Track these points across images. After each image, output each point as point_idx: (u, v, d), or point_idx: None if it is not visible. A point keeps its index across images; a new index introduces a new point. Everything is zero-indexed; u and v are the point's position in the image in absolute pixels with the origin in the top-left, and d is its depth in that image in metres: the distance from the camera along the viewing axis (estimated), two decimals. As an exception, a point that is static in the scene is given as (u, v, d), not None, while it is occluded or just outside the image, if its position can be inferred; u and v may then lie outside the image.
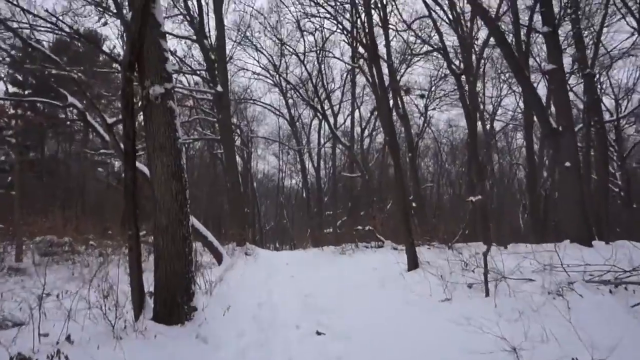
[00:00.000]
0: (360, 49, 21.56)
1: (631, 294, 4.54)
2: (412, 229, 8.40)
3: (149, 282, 4.67)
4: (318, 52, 24.02)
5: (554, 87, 11.41)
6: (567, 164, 10.46)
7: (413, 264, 7.87)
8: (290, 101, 27.80)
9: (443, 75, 21.46)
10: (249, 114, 30.84)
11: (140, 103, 4.65)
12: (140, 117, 5.12)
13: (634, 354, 2.94)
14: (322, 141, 29.77)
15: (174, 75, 19.90)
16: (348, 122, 27.51)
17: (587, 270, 5.62)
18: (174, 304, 4.35)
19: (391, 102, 19.30)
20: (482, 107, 22.47)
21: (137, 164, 8.19)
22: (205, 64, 18.09)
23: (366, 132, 28.20)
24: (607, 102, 21.74)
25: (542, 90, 18.38)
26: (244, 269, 9.76)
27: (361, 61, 22.67)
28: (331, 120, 25.36)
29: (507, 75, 22.74)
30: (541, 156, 25.41)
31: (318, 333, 5.39)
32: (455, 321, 4.38)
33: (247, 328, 5.23)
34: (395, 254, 10.54)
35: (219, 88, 15.21)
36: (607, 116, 19.78)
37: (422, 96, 22.21)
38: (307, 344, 4.95)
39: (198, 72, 19.50)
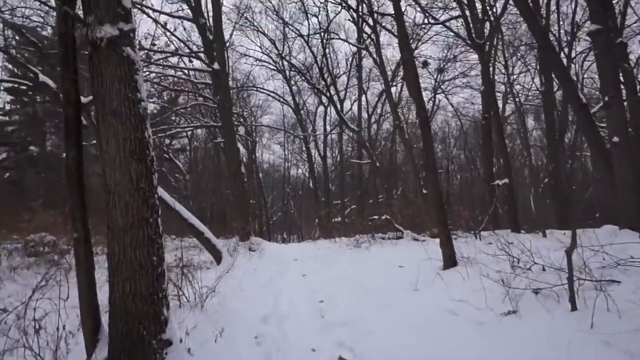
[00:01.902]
0: (367, 29, 20.48)
1: None
2: (445, 217, 7.00)
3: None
4: (322, 34, 22.97)
5: (598, 52, 9.99)
6: (616, 139, 9.14)
7: (451, 260, 6.49)
8: (295, 88, 27.01)
9: (458, 49, 19.93)
10: (253, 102, 29.70)
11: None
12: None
13: None
14: (327, 128, 28.62)
15: (172, 59, 18.80)
16: (354, 109, 26.67)
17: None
18: (136, 338, 3.01)
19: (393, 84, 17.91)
20: (505, 84, 21.09)
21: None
22: (203, 47, 16.73)
23: (373, 119, 26.97)
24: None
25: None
26: (246, 269, 8.47)
27: (368, 41, 21.53)
28: (337, 106, 24.27)
29: (522, 49, 21.35)
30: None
31: (341, 360, 4.11)
32: (541, 354, 3.05)
33: (247, 359, 3.92)
34: (420, 246, 9.20)
35: (216, 66, 13.82)
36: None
37: (440, 70, 20.63)
38: (328, 378, 3.66)
39: (195, 53, 18.12)
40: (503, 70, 21.95)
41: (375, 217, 12.69)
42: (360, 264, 8.74)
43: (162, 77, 17.44)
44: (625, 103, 13.47)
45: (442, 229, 6.72)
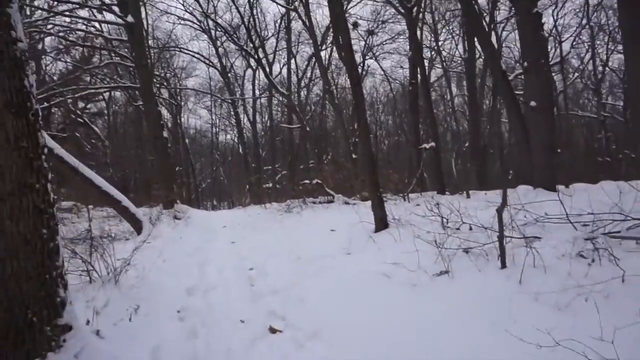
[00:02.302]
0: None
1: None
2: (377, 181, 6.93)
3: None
4: (249, -8, 21.76)
5: (519, 18, 10.35)
6: (533, 103, 9.54)
7: (382, 223, 6.45)
8: (221, 50, 25.52)
9: (388, 13, 19.91)
10: (176, 63, 27.80)
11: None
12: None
13: None
14: (257, 92, 27.64)
15: (81, 12, 16.77)
16: (284, 72, 25.88)
17: (595, 221, 4.54)
18: (23, 326, 2.52)
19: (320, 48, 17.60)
20: (432, 49, 21.50)
21: None
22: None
23: (303, 83, 26.45)
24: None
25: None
26: (169, 238, 7.93)
27: (297, 2, 20.71)
28: (266, 69, 23.46)
29: (448, 16, 21.85)
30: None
31: (272, 330, 3.87)
32: (474, 313, 3.02)
33: (168, 336, 3.53)
34: (351, 209, 9.17)
35: (130, 19, 12.50)
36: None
37: (370, 32, 20.42)
38: (258, 352, 3.42)
39: (108, 6, 16.21)
40: (430, 37, 22.39)
41: (307, 181, 12.48)
42: (291, 229, 8.54)
43: (69, 31, 15.59)
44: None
45: (374, 192, 6.64)
